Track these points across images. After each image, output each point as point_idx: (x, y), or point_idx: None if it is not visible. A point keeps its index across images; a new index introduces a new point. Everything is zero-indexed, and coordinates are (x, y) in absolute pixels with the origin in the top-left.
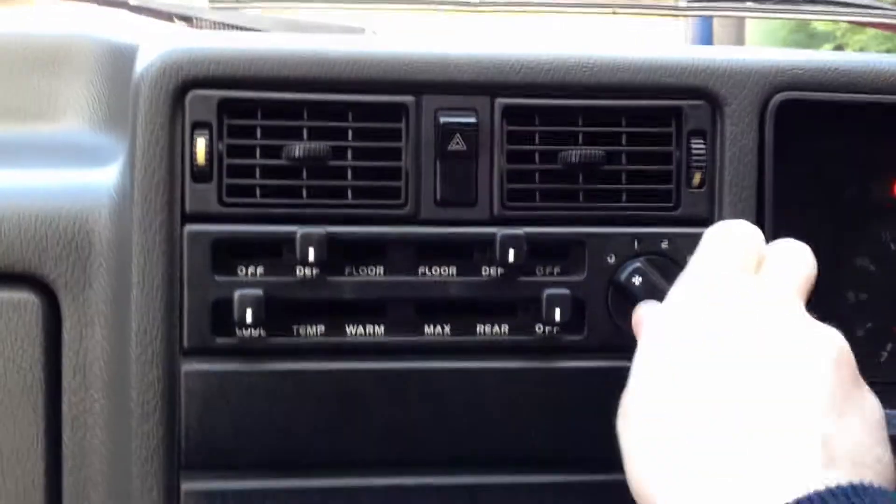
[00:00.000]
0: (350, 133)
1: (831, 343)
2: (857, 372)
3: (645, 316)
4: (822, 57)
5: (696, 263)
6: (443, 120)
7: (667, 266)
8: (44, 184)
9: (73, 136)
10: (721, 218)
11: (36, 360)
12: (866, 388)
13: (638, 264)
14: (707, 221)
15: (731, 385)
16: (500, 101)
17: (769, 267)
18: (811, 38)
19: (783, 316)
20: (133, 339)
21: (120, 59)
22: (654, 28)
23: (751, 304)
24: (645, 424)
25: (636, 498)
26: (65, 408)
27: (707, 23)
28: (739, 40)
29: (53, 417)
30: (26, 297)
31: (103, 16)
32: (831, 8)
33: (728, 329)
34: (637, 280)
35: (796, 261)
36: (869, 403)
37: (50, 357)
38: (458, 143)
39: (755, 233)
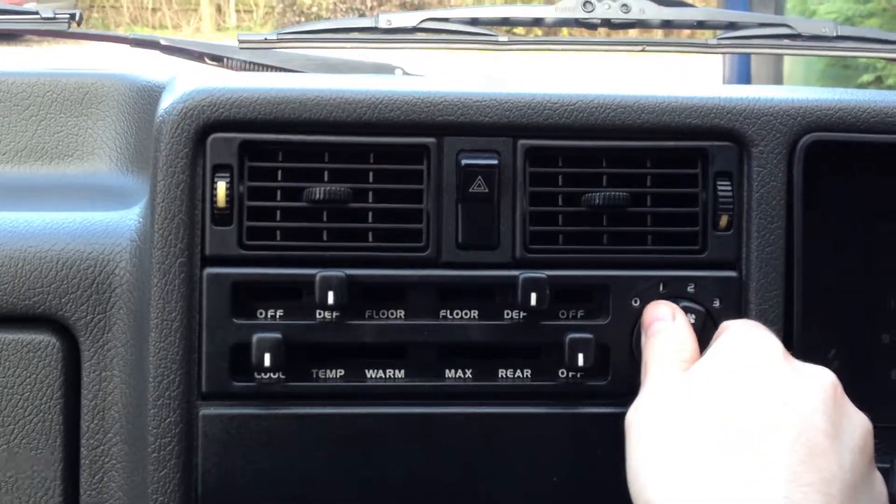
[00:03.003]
0: (371, 175)
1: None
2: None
3: (665, 336)
4: (851, 96)
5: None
6: (464, 162)
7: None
8: (66, 225)
9: (99, 177)
10: (749, 261)
11: (55, 402)
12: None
13: (687, 303)
14: (734, 264)
15: (740, 424)
16: (523, 142)
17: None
18: (850, 70)
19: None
20: (151, 383)
21: (149, 100)
22: (691, 63)
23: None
24: (657, 434)
25: (634, 499)
26: (83, 451)
27: (744, 57)
28: (777, 74)
29: (72, 460)
30: (46, 339)
31: (135, 56)
32: (863, 45)
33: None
34: (691, 318)
35: None
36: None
37: (69, 399)
38: (479, 186)
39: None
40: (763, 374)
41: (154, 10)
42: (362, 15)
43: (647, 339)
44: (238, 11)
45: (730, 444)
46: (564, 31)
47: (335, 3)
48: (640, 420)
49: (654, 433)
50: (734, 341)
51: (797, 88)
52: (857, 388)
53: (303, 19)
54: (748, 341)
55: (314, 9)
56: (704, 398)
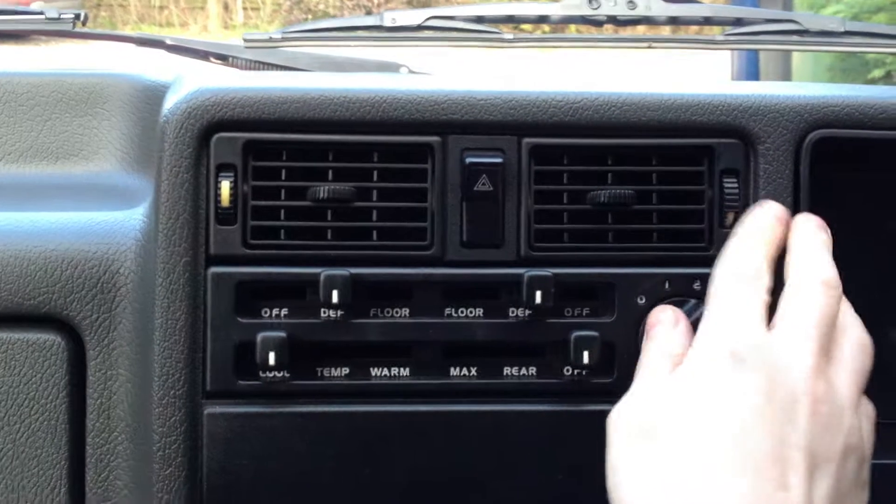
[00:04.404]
0: (375, 174)
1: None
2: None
3: (660, 340)
4: (858, 93)
5: (716, 310)
6: (469, 160)
7: None
8: (71, 225)
9: (105, 177)
10: None
11: (60, 401)
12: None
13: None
14: None
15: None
16: (528, 140)
17: (785, 316)
18: (860, 65)
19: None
20: (156, 382)
21: (154, 100)
22: (700, 60)
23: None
24: (640, 438)
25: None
26: (88, 449)
27: (753, 54)
28: (786, 70)
29: (77, 459)
30: (52, 339)
31: (141, 55)
32: (871, 40)
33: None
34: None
35: (815, 303)
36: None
37: (74, 398)
38: (484, 184)
39: (762, 271)
40: (738, 382)
41: (161, 7)
42: (369, 12)
43: (645, 341)
44: (245, 9)
45: (701, 454)
46: (571, 27)
47: (342, 1)
48: (617, 421)
49: (627, 435)
50: (715, 337)
51: (804, 85)
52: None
53: (310, 17)
54: (726, 335)
55: (321, 6)
56: (678, 405)
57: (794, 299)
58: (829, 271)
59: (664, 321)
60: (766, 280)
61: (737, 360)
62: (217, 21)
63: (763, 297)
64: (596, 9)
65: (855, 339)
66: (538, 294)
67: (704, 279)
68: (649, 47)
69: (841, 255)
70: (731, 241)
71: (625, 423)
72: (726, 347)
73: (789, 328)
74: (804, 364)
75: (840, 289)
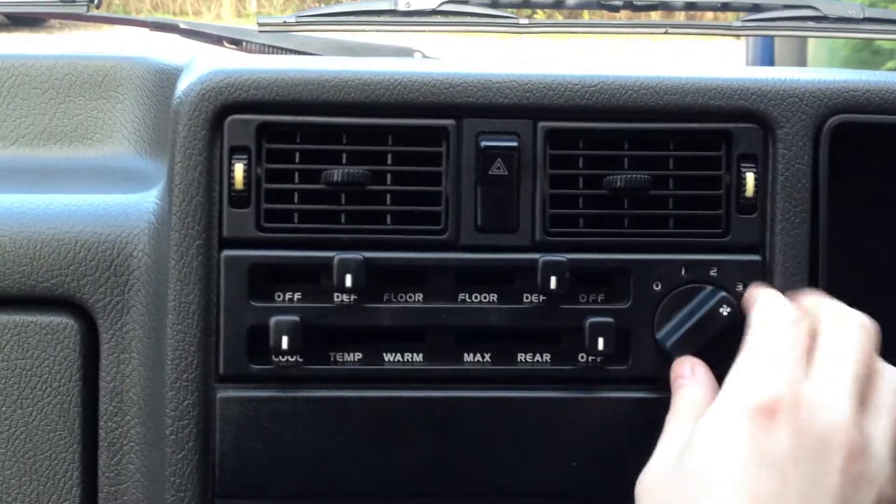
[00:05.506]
0: (389, 157)
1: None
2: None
3: (683, 392)
4: (878, 78)
5: (751, 360)
6: (484, 144)
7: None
8: (84, 208)
9: (118, 160)
10: (773, 245)
11: (73, 384)
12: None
13: (724, 294)
14: (758, 248)
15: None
16: (543, 124)
17: (822, 363)
18: (875, 55)
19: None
20: (168, 365)
21: (168, 83)
22: (716, 48)
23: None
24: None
25: None
26: (101, 433)
27: (768, 42)
28: (801, 59)
29: (90, 442)
30: (65, 322)
31: (154, 40)
32: (890, 27)
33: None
34: (725, 311)
35: (852, 347)
36: None
37: (87, 381)
38: (499, 168)
39: (800, 317)
40: (765, 437)
41: None
42: None
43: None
44: None
45: None
46: (586, 13)
47: None
48: (641, 488)
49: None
50: (743, 389)
51: (822, 70)
52: None
53: (321, 4)
54: (757, 386)
55: None
56: (695, 467)
57: (831, 344)
58: (864, 316)
59: (682, 373)
60: (805, 325)
61: (766, 415)
62: (230, 10)
63: (806, 342)
64: None
65: (892, 384)
66: (553, 279)
67: (721, 266)
68: (665, 33)
69: (858, 242)
70: (757, 311)
71: (648, 492)
72: (753, 399)
73: (827, 376)
74: (841, 415)
75: (878, 334)
